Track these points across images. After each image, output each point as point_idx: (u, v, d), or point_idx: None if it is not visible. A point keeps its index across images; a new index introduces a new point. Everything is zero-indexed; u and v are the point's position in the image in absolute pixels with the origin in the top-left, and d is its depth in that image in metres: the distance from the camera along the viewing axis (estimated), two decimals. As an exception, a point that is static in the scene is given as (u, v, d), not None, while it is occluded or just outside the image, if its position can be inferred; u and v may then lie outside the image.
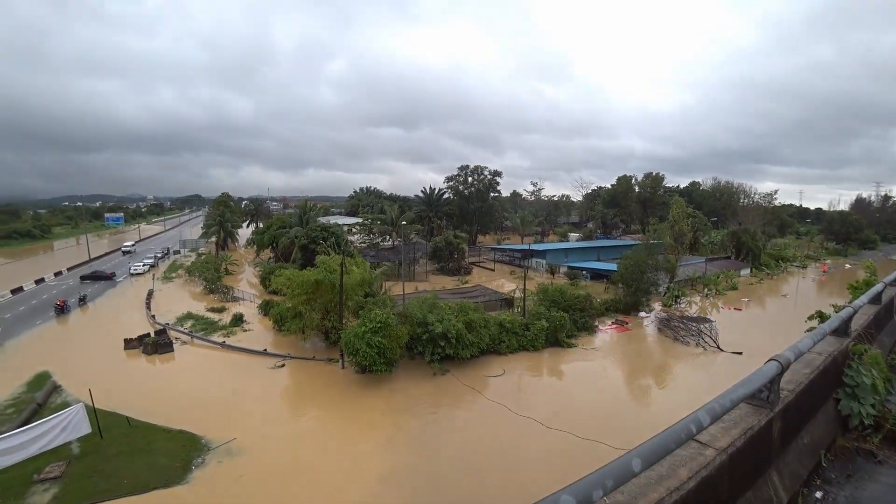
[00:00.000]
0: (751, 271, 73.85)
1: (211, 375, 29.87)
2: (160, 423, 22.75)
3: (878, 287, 9.43)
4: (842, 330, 7.67)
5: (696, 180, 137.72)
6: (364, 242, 70.99)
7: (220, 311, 44.25)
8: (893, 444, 7.04)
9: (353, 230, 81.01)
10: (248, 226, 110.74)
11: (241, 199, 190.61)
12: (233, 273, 65.52)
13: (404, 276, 54.27)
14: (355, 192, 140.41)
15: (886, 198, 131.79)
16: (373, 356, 27.24)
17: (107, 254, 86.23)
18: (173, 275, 64.22)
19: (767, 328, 44.09)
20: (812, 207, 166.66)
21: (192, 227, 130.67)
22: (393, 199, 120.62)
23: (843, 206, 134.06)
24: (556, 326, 36.22)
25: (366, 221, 76.42)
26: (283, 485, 18.69)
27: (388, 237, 72.11)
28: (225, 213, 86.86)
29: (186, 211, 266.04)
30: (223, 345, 34.73)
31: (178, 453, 20.30)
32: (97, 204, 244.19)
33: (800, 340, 5.94)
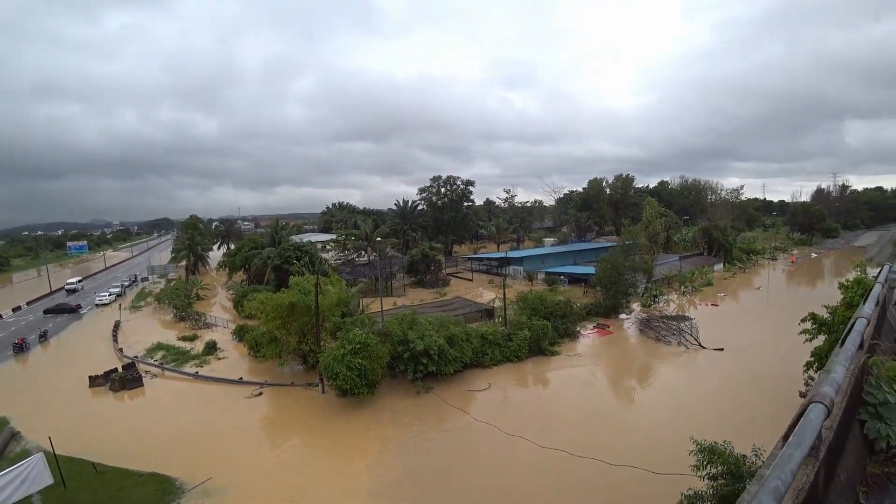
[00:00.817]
0: (724, 266, 75.28)
1: (184, 410, 28.31)
2: (130, 467, 21.31)
3: (877, 289, 9.18)
4: (860, 343, 7.32)
5: (665, 179, 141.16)
6: (339, 259, 69.85)
7: (192, 339, 42.58)
8: None
9: (328, 247, 79.74)
10: (219, 248, 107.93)
11: (211, 221, 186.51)
12: (205, 298, 63.51)
13: (382, 291, 53.35)
14: (328, 207, 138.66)
15: (844, 187, 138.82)
16: (353, 379, 26.37)
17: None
18: (142, 303, 61.80)
19: (745, 322, 44.73)
20: (776, 200, 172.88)
21: (161, 252, 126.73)
22: (367, 213, 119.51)
23: (805, 197, 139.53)
24: (539, 335, 35.92)
25: (340, 237, 75.40)
26: None
27: (363, 252, 71.08)
28: (194, 236, 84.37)
29: (154, 235, 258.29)
30: (196, 375, 33.29)
31: (151, 499, 18.98)
32: (59, 232, 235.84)
33: (831, 367, 5.55)
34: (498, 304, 46.97)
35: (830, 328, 17.39)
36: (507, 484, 19.75)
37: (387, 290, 59.84)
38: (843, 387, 5.98)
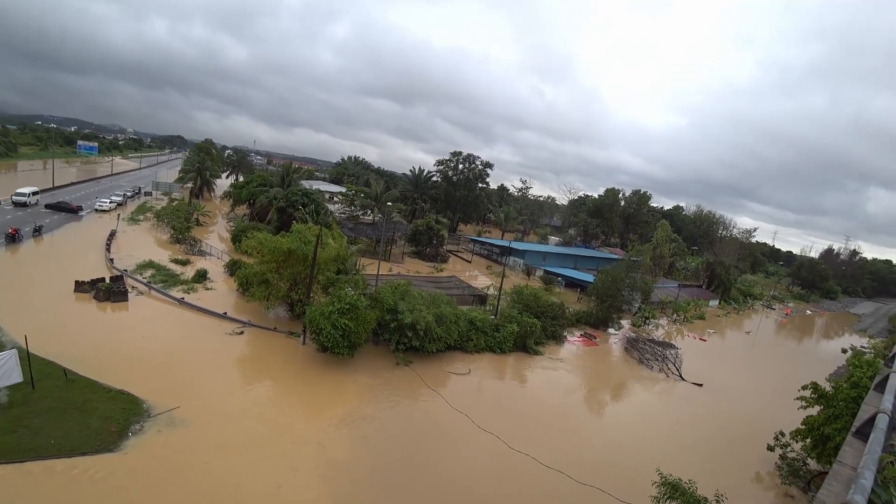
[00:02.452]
0: (719, 303, 75.08)
1: (164, 333, 28.16)
2: (101, 380, 21.17)
3: (894, 380, 8.85)
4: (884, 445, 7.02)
5: (680, 205, 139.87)
6: (344, 214, 69.29)
7: (185, 263, 42.37)
8: None
9: (335, 199, 79.21)
10: (227, 177, 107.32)
11: (224, 148, 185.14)
12: (204, 225, 63.23)
13: (381, 255, 53.14)
14: (343, 159, 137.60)
15: (854, 253, 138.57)
16: (336, 338, 26.19)
17: (73, 183, 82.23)
18: (141, 217, 61.42)
19: (728, 363, 44.78)
20: (784, 249, 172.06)
21: (170, 170, 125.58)
22: (380, 173, 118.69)
23: (814, 253, 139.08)
24: (527, 332, 35.85)
25: (349, 192, 74.73)
26: (224, 462, 17.65)
27: (369, 212, 70.58)
28: (205, 160, 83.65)
29: (166, 151, 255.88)
30: (182, 301, 33.12)
31: (116, 416, 18.85)
32: (72, 129, 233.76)
33: (861, 475, 5.29)
34: (492, 291, 46.86)
35: (829, 401, 17.15)
36: (470, 482, 19.68)
37: (386, 254, 59.59)
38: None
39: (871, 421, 6.60)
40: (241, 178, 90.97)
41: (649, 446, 24.92)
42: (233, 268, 39.78)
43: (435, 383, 27.87)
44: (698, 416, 30.68)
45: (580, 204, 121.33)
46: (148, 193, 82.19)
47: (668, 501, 15.09)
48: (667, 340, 46.24)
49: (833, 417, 16.32)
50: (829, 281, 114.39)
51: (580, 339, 42.12)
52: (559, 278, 64.42)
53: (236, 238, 50.28)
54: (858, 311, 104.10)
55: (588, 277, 56.93)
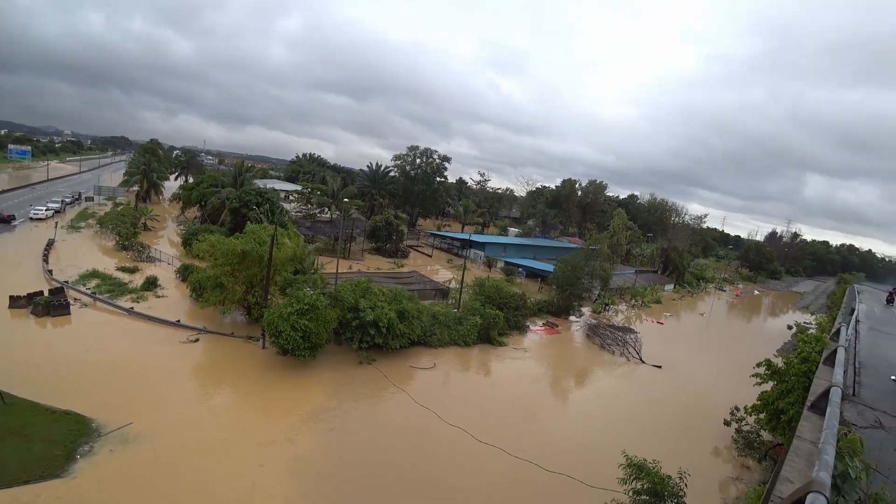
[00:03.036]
0: (674, 287, 77.86)
1: (113, 346, 26.55)
2: (43, 402, 19.71)
3: (841, 354, 9.23)
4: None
5: (635, 193, 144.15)
6: (300, 212, 67.71)
7: (133, 271, 40.27)
8: None
9: (291, 197, 77.39)
10: (176, 178, 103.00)
11: (172, 149, 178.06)
12: (152, 229, 60.41)
13: (339, 253, 52.23)
14: (297, 157, 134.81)
15: (795, 235, 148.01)
16: (297, 340, 25.54)
17: (4, 191, 76.95)
18: (82, 224, 58.02)
19: (685, 344, 46.42)
20: (733, 234, 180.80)
21: (113, 173, 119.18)
22: (336, 170, 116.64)
23: (760, 237, 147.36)
24: (490, 324, 36.02)
25: (305, 190, 73.06)
26: (183, 477, 16.89)
27: (326, 210, 69.28)
28: (151, 162, 79.94)
29: (109, 153, 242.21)
30: (131, 311, 31.46)
31: (62, 439, 17.57)
32: (1, 132, 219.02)
33: (823, 450, 5.42)
34: (454, 285, 46.92)
35: (782, 377, 18.01)
36: (438, 475, 19.65)
37: (345, 252, 58.68)
38: (814, 460, 5.90)
39: (826, 395, 6.85)
40: (190, 180, 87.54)
41: (614, 430, 25.51)
42: (185, 273, 38.21)
43: (399, 380, 27.63)
44: (659, 397, 31.63)
45: (538, 195, 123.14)
46: (90, 199, 77.66)
47: (634, 482, 15.45)
48: (626, 325, 47.53)
49: (786, 392, 17.16)
50: (773, 262, 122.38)
51: (543, 328, 42.71)
52: (520, 269, 65.13)
53: (187, 242, 48.36)
54: (800, 290, 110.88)
55: (548, 267, 57.77)
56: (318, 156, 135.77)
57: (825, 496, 4.35)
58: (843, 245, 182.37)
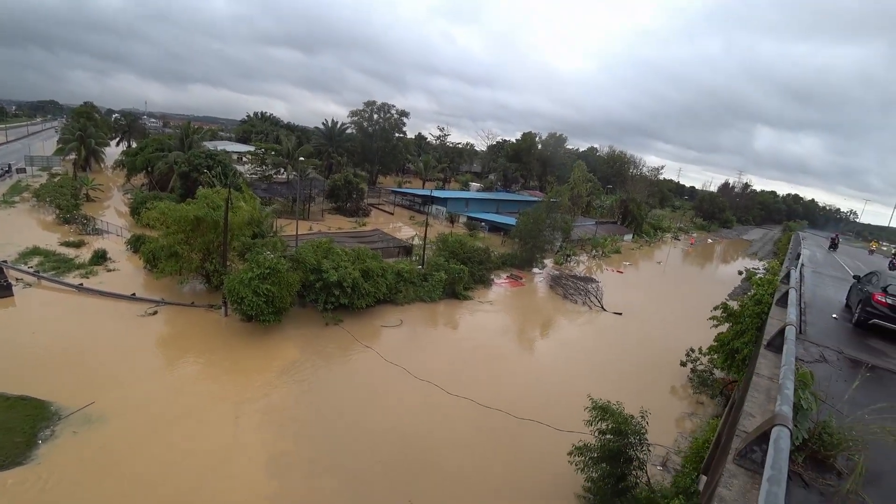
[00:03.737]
0: (633, 237, 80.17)
1: (65, 326, 25.23)
2: (-7, 388, 18.70)
3: (793, 295, 9.58)
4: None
5: (594, 146, 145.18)
6: (255, 174, 65.22)
7: (79, 245, 37.98)
8: (816, 465, 7.19)
9: (244, 159, 74.33)
10: (117, 144, 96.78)
11: (110, 112, 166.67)
12: (96, 200, 57.04)
13: (298, 214, 50.90)
14: (248, 116, 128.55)
15: (746, 186, 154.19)
16: (260, 305, 25.05)
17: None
18: (16, 199, 53.83)
19: (643, 291, 48.10)
20: (688, 185, 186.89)
21: (45, 141, 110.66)
22: (290, 128, 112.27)
23: (713, 187, 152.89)
24: (455, 278, 36.26)
25: (258, 151, 70.12)
26: (156, 450, 16.65)
27: (282, 170, 66.97)
28: (87, 127, 74.43)
29: (38, 119, 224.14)
30: (80, 288, 29.79)
31: (19, 426, 16.74)
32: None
33: (784, 386, 5.60)
34: (417, 241, 46.75)
35: (737, 319, 18.92)
36: (413, 429, 20.03)
37: (304, 213, 57.31)
38: (773, 394, 6.17)
39: (781, 333, 7.20)
40: (133, 145, 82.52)
41: (579, 376, 26.50)
42: (136, 244, 36.41)
43: (368, 339, 27.70)
44: (620, 342, 32.92)
45: (499, 149, 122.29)
46: (21, 170, 72.09)
47: (599, 423, 16.15)
48: (588, 275, 48.79)
49: (740, 332, 18.04)
50: (725, 212, 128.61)
51: (507, 281, 43.34)
52: (483, 223, 65.37)
53: (136, 211, 46.00)
54: (750, 238, 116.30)
55: (510, 220, 58.14)
56: (271, 114, 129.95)
57: (788, 428, 4.52)
58: (788, 195, 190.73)
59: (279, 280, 26.07)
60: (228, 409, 19.72)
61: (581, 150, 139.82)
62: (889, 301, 14.82)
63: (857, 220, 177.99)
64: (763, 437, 4.96)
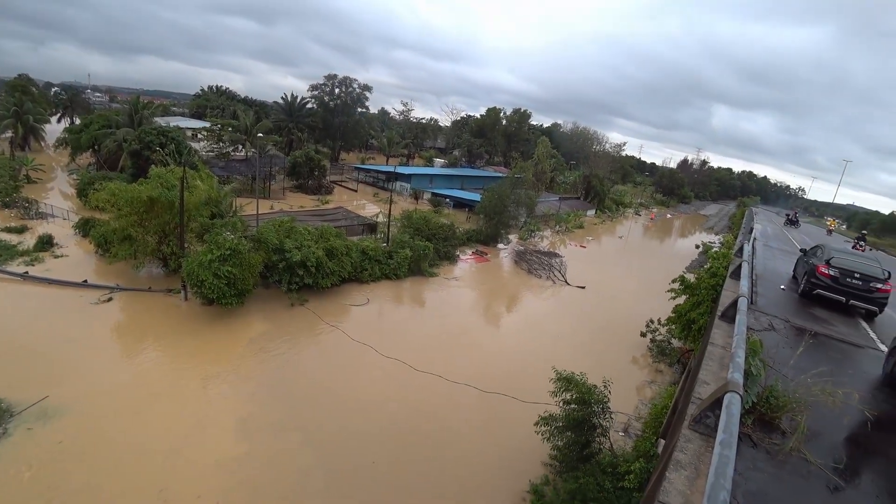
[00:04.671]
0: (596, 212, 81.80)
1: (10, 317, 23.79)
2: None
3: (745, 268, 10.01)
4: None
5: (558, 122, 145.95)
6: (212, 151, 62.84)
7: (21, 231, 35.71)
8: (764, 426, 7.68)
9: (199, 136, 71.31)
10: (59, 121, 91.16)
11: (49, 85, 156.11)
12: (39, 181, 53.75)
13: (258, 193, 49.57)
14: (203, 90, 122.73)
15: (703, 163, 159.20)
16: (221, 288, 24.43)
17: None
18: (-51, 178, 50.50)
19: (605, 265, 49.40)
20: (648, 161, 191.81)
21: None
22: (248, 103, 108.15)
23: (673, 164, 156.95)
24: (420, 255, 36.26)
25: (215, 127, 67.51)
26: (119, 442, 16.17)
27: (240, 147, 64.78)
28: (24, 102, 69.58)
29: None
30: (25, 276, 28.02)
31: None
32: None
33: (735, 354, 5.87)
34: (382, 219, 46.40)
35: (693, 291, 19.68)
36: (383, 406, 20.19)
37: (264, 191, 55.85)
38: (725, 361, 6.50)
39: (734, 304, 7.57)
40: (77, 121, 77.86)
41: (544, 348, 27.15)
42: (85, 227, 34.69)
43: (334, 318, 27.54)
44: (583, 315, 33.83)
45: (463, 124, 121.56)
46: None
47: (564, 394, 16.66)
48: (552, 250, 49.68)
49: (697, 304, 18.84)
50: (684, 188, 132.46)
51: (472, 257, 43.67)
52: (447, 200, 65.31)
53: (83, 192, 43.67)
54: (706, 213, 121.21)
55: (475, 196, 58.29)
56: (227, 88, 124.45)
57: (739, 394, 4.79)
58: (743, 171, 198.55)
59: (240, 261, 25.46)
60: (193, 391, 19.45)
61: (545, 126, 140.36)
62: (831, 273, 15.76)
63: (805, 197, 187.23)
64: (716, 403, 5.25)
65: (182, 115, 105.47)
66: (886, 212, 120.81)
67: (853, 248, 24.39)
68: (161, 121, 66.85)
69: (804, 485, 6.61)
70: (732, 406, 4.53)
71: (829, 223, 52.59)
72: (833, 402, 7.98)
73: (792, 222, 52.05)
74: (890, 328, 15.16)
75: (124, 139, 49.72)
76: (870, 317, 16.05)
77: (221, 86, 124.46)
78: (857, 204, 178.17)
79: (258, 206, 37.15)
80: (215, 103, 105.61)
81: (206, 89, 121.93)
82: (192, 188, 29.98)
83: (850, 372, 10.81)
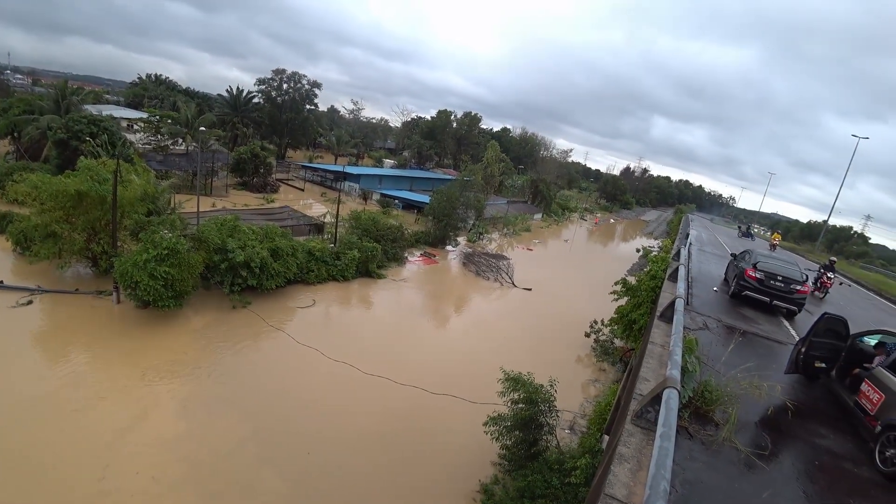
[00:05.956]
0: (542, 216, 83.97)
1: None
2: None
3: (682, 271, 10.56)
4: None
5: (507, 126, 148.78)
6: (149, 144, 59.49)
7: (-74, 224, 32.60)
8: (699, 419, 8.14)
9: (135, 127, 67.40)
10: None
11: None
12: (-52, 169, 49.14)
13: (200, 189, 47.49)
14: (140, 78, 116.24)
15: (644, 171, 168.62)
16: (158, 289, 23.12)
17: None
18: None
19: (551, 268, 50.68)
20: (593, 168, 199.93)
21: None
22: (190, 94, 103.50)
23: (616, 171, 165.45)
24: (368, 257, 35.89)
25: (153, 118, 63.95)
26: (39, 461, 14.83)
27: (180, 141, 61.76)
28: (-67, 83, 63.79)
29: None
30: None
31: None
32: None
33: (673, 352, 6.15)
34: (329, 219, 45.59)
35: (634, 293, 20.58)
36: (330, 409, 19.82)
37: (206, 188, 53.52)
38: (664, 359, 6.83)
39: (672, 305, 8.02)
40: (-6, 105, 71.83)
41: (492, 349, 27.43)
42: (2, 223, 32.01)
43: (278, 321, 26.75)
44: (530, 316, 34.53)
45: (414, 126, 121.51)
46: None
47: (512, 393, 16.97)
48: (499, 253, 50.50)
49: (637, 305, 19.77)
50: (626, 194, 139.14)
51: (421, 259, 43.68)
52: (396, 201, 65.04)
53: (1, 183, 40.34)
54: (646, 218, 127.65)
55: (424, 198, 58.38)
56: (167, 77, 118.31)
57: (677, 389, 5.07)
58: (680, 180, 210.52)
59: (179, 261, 24.20)
60: (127, 394, 18.38)
61: (495, 129, 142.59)
62: (758, 276, 17.04)
63: (735, 205, 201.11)
64: (656, 399, 5.53)
65: (117, 103, 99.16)
66: (805, 220, 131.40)
67: (820, 274, 24.16)
68: (92, 108, 62.65)
69: (735, 471, 7.11)
70: (671, 401, 4.80)
71: (773, 238, 51.95)
72: (759, 395, 8.65)
73: (746, 235, 54.99)
74: (807, 326, 16.49)
75: (49, 127, 46.19)
76: (790, 316, 17.42)
77: (161, 74, 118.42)
78: (780, 213, 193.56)
79: (199, 204, 35.48)
80: (154, 93, 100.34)
81: (143, 77, 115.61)
82: (126, 182, 28.30)
83: (773, 366, 11.66)
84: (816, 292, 23.16)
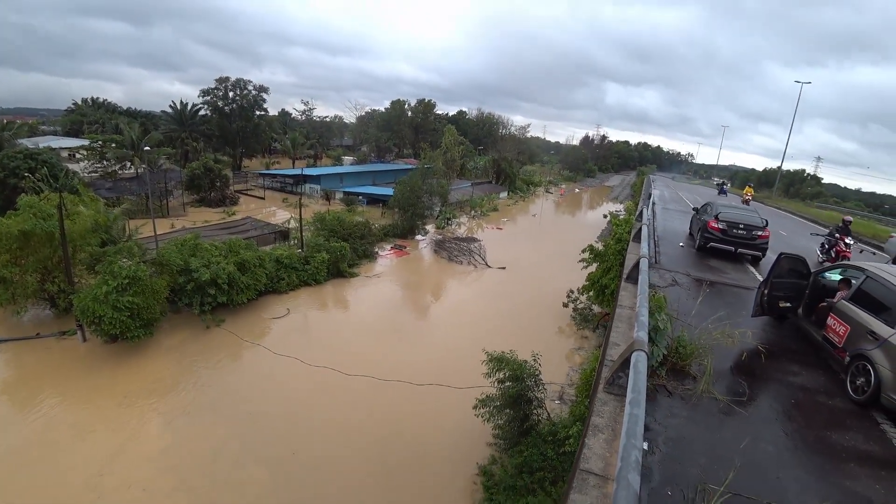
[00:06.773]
0: (508, 194, 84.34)
1: None
2: None
3: (645, 231, 10.63)
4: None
5: (463, 109, 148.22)
6: (95, 172, 57.11)
7: None
8: (676, 374, 8.23)
9: (78, 156, 64.61)
10: None
11: None
12: None
13: (154, 212, 45.92)
14: (76, 104, 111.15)
15: (603, 138, 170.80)
16: (124, 321, 22.28)
17: None
18: None
19: (523, 244, 50.99)
20: (553, 140, 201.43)
21: None
22: (132, 114, 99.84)
23: (576, 141, 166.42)
24: (338, 257, 35.42)
25: (95, 144, 61.28)
26: (44, 476, 14.84)
27: (128, 164, 59.46)
28: None
29: None
30: None
31: None
32: None
33: (640, 313, 6.11)
34: (293, 224, 44.75)
35: (602, 258, 20.75)
36: (317, 414, 19.59)
37: (161, 210, 51.87)
38: (632, 321, 6.83)
39: (636, 266, 8.05)
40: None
41: (472, 333, 27.45)
42: (-54, 271, 30.28)
43: (254, 335, 26.21)
44: (507, 294, 34.68)
45: (369, 119, 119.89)
46: None
47: (497, 374, 17.04)
48: (470, 235, 50.49)
49: (607, 270, 20.03)
50: (588, 163, 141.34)
51: (392, 252, 43.36)
52: (360, 197, 64.26)
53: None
54: (610, 184, 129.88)
55: (388, 191, 57.79)
56: (105, 100, 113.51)
57: (645, 352, 5.05)
58: (639, 143, 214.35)
59: (142, 289, 23.37)
60: (110, 422, 18.14)
61: (451, 114, 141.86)
62: (720, 226, 17.47)
63: (694, 161, 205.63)
64: (626, 364, 5.50)
65: (54, 133, 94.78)
66: (760, 168, 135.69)
67: (834, 240, 18.54)
68: (28, 142, 59.78)
69: (716, 421, 7.23)
70: (639, 364, 4.77)
71: (745, 192, 49.38)
72: (731, 342, 8.82)
73: (722, 192, 56.59)
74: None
75: (-17, 168, 43.79)
76: (755, 262, 17.92)
77: (98, 97, 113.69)
78: (737, 164, 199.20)
79: (156, 227, 34.35)
80: (93, 118, 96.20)
81: (79, 103, 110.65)
82: (74, 215, 27.16)
83: (743, 313, 11.94)
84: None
